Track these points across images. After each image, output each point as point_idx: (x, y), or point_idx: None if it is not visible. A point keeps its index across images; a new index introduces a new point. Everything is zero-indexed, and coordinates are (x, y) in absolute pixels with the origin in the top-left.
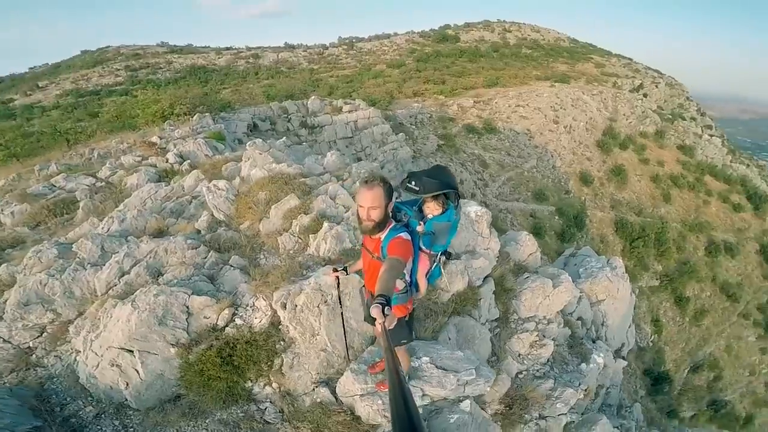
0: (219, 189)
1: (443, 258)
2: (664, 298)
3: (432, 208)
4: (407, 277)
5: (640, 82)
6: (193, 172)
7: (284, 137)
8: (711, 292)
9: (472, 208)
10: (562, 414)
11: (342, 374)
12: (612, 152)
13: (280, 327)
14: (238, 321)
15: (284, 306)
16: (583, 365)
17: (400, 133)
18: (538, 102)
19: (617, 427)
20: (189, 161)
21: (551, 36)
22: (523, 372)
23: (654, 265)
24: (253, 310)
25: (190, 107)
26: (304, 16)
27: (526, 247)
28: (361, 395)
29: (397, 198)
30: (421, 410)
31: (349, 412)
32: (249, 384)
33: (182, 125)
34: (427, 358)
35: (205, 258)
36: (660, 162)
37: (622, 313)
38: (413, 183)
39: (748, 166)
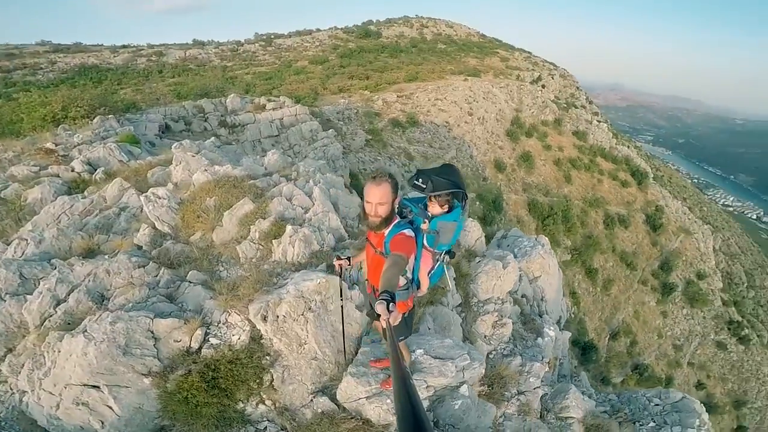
0: (159, 198)
1: (447, 257)
2: (577, 270)
3: (436, 207)
4: (409, 274)
5: (539, 74)
6: (115, 181)
7: (212, 137)
8: (613, 262)
9: None
10: (537, 387)
11: (337, 380)
12: (520, 140)
13: (262, 341)
14: (213, 341)
15: (264, 318)
16: (540, 339)
17: (330, 129)
18: (454, 95)
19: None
20: (103, 169)
21: (463, 31)
22: (492, 352)
23: (564, 240)
24: (227, 327)
25: (89, 109)
26: (220, 12)
27: (473, 233)
28: (368, 397)
29: (403, 194)
30: (426, 402)
31: (358, 417)
32: (241, 405)
33: (81, 129)
34: (421, 350)
35: (157, 276)
36: (560, 147)
37: (555, 287)
38: (420, 180)
39: (629, 147)
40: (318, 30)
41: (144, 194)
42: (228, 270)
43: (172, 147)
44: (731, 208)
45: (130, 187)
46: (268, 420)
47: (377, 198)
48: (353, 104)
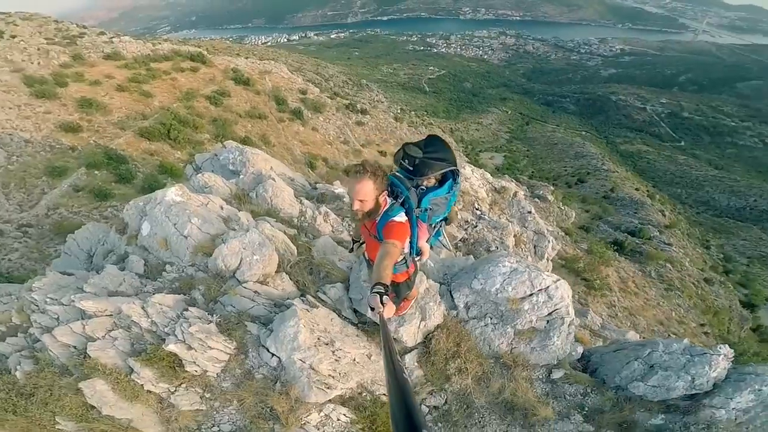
0: None
1: (443, 223)
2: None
3: (427, 182)
4: (407, 249)
5: None
6: None
7: None
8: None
9: None
10: None
11: None
12: (60, 94)
13: None
14: None
15: None
16: None
17: None
18: None
19: None
20: None
21: None
22: None
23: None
24: None
25: None
26: None
27: None
28: None
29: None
30: None
31: None
32: None
33: None
34: None
35: None
36: (108, 75)
37: None
38: (407, 162)
39: (158, 43)
40: None
41: None
42: None
43: None
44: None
45: None
46: None
47: (357, 195)
48: None
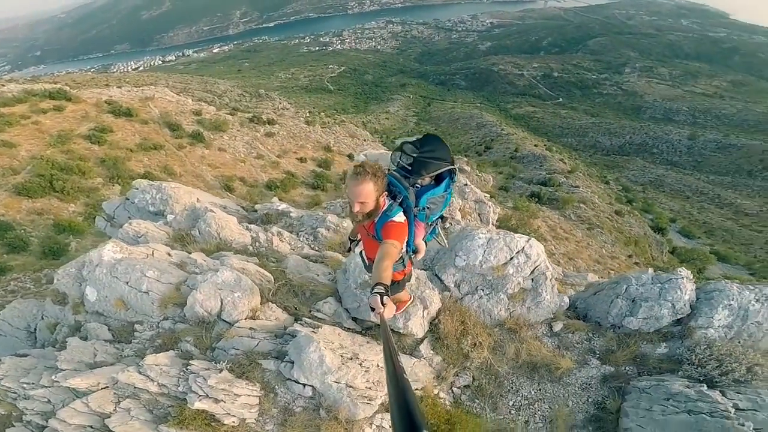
0: None
1: (439, 221)
2: None
3: (424, 181)
4: (404, 249)
5: None
6: None
7: None
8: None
9: None
10: None
11: None
12: None
13: None
14: None
15: None
16: None
17: None
18: None
19: None
20: None
21: None
22: None
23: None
24: None
25: None
26: None
27: None
28: None
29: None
30: None
31: None
32: None
33: None
34: None
35: None
36: None
37: None
38: (404, 159)
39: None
40: None
41: None
42: None
43: None
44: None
45: None
46: None
47: (357, 197)
48: None
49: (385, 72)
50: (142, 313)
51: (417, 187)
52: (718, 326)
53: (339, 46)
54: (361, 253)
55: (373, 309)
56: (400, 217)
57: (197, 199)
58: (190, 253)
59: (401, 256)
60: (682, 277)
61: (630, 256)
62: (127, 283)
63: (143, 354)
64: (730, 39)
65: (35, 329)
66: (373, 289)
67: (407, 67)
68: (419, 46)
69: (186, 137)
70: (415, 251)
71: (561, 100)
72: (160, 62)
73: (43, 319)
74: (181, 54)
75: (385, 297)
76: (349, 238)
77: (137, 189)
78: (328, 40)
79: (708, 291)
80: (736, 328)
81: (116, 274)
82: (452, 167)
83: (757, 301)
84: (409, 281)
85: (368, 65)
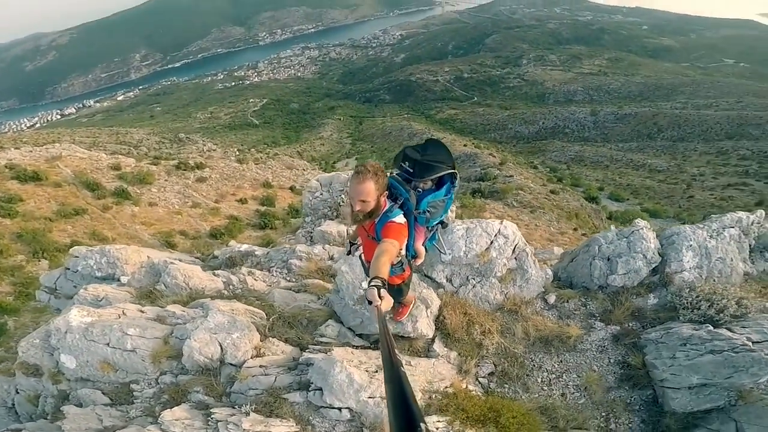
0: None
1: (439, 227)
2: None
3: (425, 184)
4: (403, 252)
5: None
6: None
7: None
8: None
9: None
10: None
11: None
12: None
13: None
14: None
15: None
16: None
17: None
18: None
19: None
20: None
21: None
22: None
23: None
24: None
25: None
26: None
27: None
28: None
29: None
30: None
31: None
32: None
33: None
34: None
35: None
36: None
37: None
38: (407, 164)
39: None
40: None
41: None
42: None
43: None
44: None
45: None
46: None
47: (359, 195)
48: None
49: (310, 98)
50: (135, 372)
51: (418, 191)
52: (690, 268)
53: (257, 79)
54: (360, 256)
55: (370, 302)
56: (400, 218)
57: (147, 256)
58: (163, 306)
59: (400, 260)
60: (642, 227)
61: (575, 229)
62: (108, 344)
63: (152, 412)
64: (596, 21)
65: (13, 404)
66: (370, 283)
67: (332, 90)
68: (339, 67)
69: (109, 196)
70: (415, 256)
71: (476, 99)
72: (59, 116)
73: (18, 393)
74: (81, 105)
75: (382, 290)
76: (350, 242)
77: (77, 257)
78: (243, 74)
79: (668, 236)
80: (705, 267)
81: (92, 337)
82: (453, 171)
83: (711, 237)
84: (408, 287)
85: (291, 94)
